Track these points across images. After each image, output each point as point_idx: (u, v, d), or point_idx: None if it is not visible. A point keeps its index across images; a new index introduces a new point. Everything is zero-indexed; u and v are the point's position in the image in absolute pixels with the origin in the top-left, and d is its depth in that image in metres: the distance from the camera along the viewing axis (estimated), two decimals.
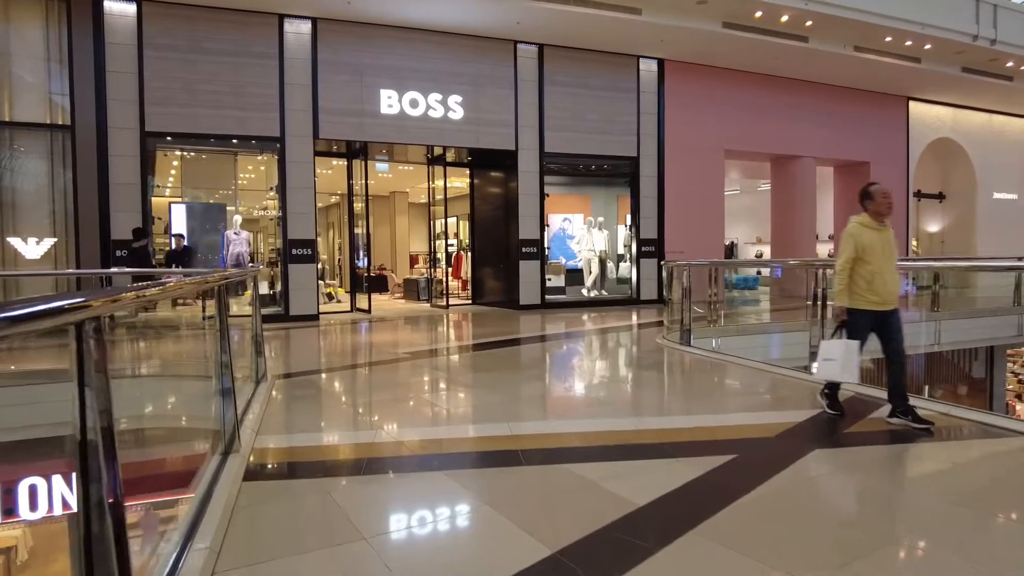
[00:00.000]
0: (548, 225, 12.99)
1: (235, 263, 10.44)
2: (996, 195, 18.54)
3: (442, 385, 5.57)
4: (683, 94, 13.00)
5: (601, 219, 13.35)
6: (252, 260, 11.13)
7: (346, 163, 12.01)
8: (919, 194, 18.00)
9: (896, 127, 16.21)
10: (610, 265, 13.46)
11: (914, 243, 18.23)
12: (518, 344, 7.63)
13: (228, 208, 11.29)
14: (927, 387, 12.12)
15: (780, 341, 8.90)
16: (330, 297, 13.91)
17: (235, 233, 10.75)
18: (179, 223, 10.76)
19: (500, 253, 12.62)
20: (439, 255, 13.91)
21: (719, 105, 13.43)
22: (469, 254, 13.90)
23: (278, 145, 10.27)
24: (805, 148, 14.64)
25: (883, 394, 4.15)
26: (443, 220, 18.98)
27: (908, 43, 12.86)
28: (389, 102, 10.89)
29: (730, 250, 21.58)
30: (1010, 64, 14.62)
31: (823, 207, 16.82)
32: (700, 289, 8.99)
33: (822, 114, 14.81)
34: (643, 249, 12.66)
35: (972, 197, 18.12)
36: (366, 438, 3.90)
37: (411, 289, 14.43)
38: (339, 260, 17.75)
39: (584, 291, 12.97)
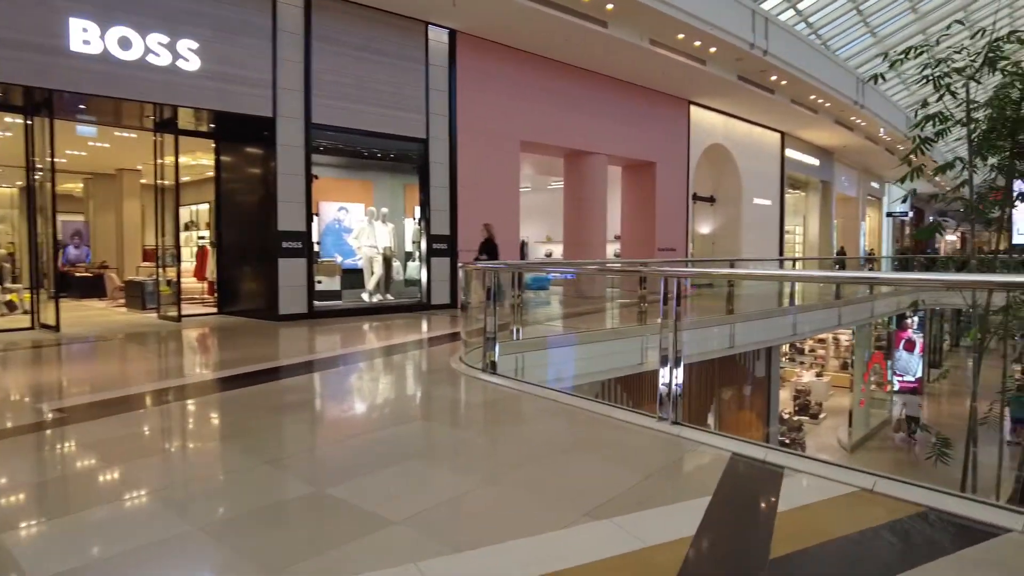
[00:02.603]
0: (318, 215, 10.68)
1: None
2: (756, 200, 20.02)
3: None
4: (478, 73, 11.51)
5: (385, 210, 11.35)
6: None
7: (23, 121, 8.57)
8: (695, 197, 18.72)
9: (679, 130, 16.47)
10: (397, 265, 11.52)
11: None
12: (243, 385, 5.05)
13: None
14: (720, 389, 12.12)
15: (602, 351, 7.74)
16: (11, 307, 10.13)
17: None
18: None
19: (255, 249, 10.01)
20: (175, 250, 10.78)
21: (517, 91, 12.18)
22: (217, 249, 11.03)
23: None
24: (599, 145, 14.06)
25: None
26: (193, 207, 15.54)
27: (697, 43, 12.75)
28: (85, 37, 7.79)
29: (522, 249, 20.87)
30: (774, 77, 15.47)
31: (610, 207, 16.61)
32: (501, 292, 7.50)
33: (616, 111, 14.37)
34: (434, 247, 10.89)
35: (738, 201, 19.31)
36: None
37: (135, 294, 11.10)
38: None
39: (365, 296, 10.87)
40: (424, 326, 9.65)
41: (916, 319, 23.60)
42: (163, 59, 8.34)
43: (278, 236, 9.48)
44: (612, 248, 18.01)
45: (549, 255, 20.97)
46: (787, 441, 15.84)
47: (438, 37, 11.00)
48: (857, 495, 2.75)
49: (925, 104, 6.31)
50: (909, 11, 18.72)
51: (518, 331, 6.99)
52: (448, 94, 11.14)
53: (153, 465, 3.25)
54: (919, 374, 24.02)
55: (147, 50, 8.19)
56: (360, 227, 10.98)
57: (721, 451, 3.31)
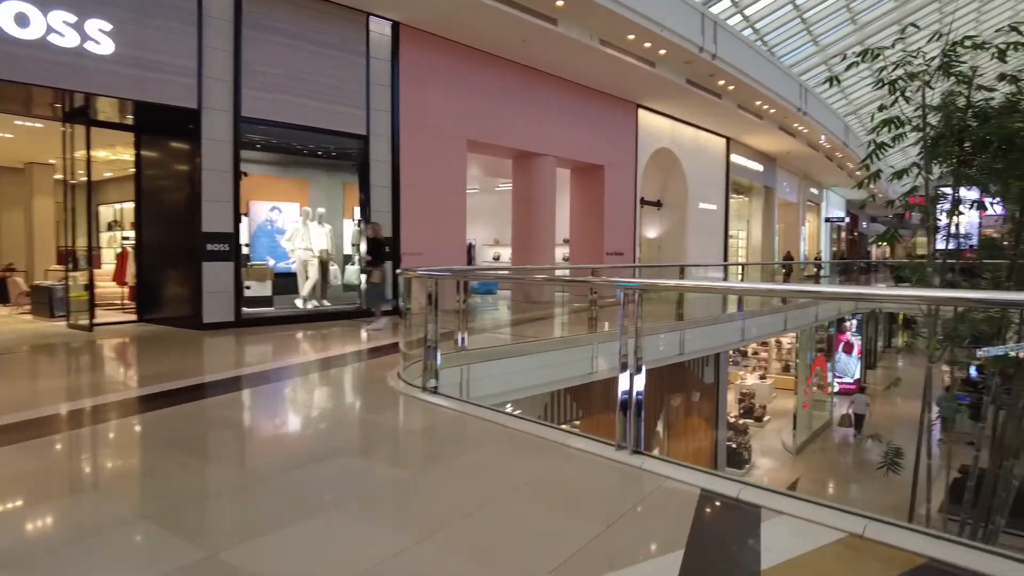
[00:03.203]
0: (248, 215, 9.95)
1: None
2: (702, 205, 20.10)
3: None
4: (423, 69, 10.98)
5: (322, 211, 10.68)
6: None
7: None
8: (643, 201, 18.63)
9: (628, 133, 16.31)
10: (334, 269, 10.86)
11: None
12: (142, 411, 4.42)
13: None
14: (669, 396, 11.92)
15: (551, 361, 7.34)
16: None
17: None
18: None
19: (178, 251, 9.22)
20: (88, 252, 9.84)
21: (464, 89, 11.70)
22: (137, 251, 10.13)
23: None
24: (548, 146, 13.72)
25: None
26: (118, 205, 14.53)
27: (647, 45, 12.55)
28: None
29: (469, 252, 20.40)
30: (722, 82, 15.47)
31: (559, 210, 16.33)
32: (444, 300, 7.02)
33: (566, 113, 14.06)
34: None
35: (685, 206, 19.32)
36: None
37: (42, 300, 10.10)
38: None
39: (299, 302, 10.19)
40: (363, 335, 9.06)
41: (854, 322, 24.27)
42: (69, 40, 7.51)
43: (202, 238, 8.74)
44: (561, 252, 17.73)
45: (497, 258, 20.56)
46: (734, 446, 15.87)
47: (380, 29, 10.43)
48: (847, 542, 2.40)
49: (881, 108, 6.17)
50: (849, 22, 19.15)
51: (463, 340, 6.55)
52: (391, 89, 10.57)
53: None
54: (857, 375, 24.73)
55: (49, 29, 7.35)
56: (294, 228, 10.29)
57: (688, 487, 2.93)
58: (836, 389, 22.70)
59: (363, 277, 9.56)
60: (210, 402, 4.79)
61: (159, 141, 9.63)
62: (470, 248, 20.07)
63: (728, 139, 21.04)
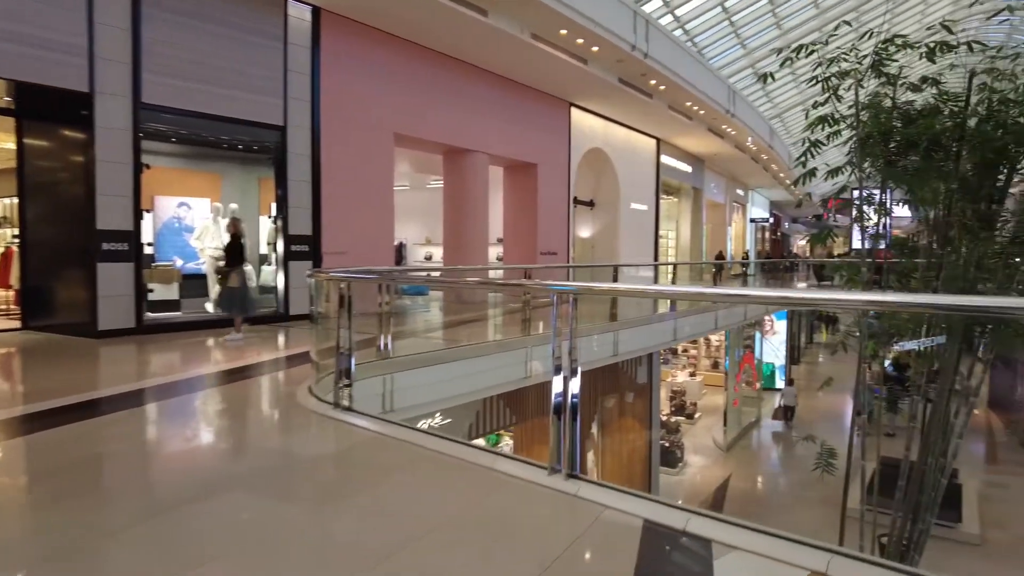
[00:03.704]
0: (151, 211, 9.10)
1: None
2: (633, 205, 20.18)
3: None
4: (347, 57, 10.37)
5: (235, 207, 9.91)
6: None
7: None
8: (576, 200, 18.51)
9: (561, 132, 16.11)
10: (249, 269, 10.08)
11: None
12: (10, 436, 3.76)
13: None
14: (603, 398, 11.75)
15: (483, 366, 6.93)
16: None
17: None
18: None
19: (70, 251, 8.33)
20: None
21: (391, 80, 11.15)
22: (23, 251, 9.09)
23: None
24: (480, 143, 13.32)
25: None
26: (7, 200, 13.20)
27: (580, 41, 12.34)
28: None
29: (399, 251, 19.78)
30: (653, 82, 15.48)
31: (492, 209, 15.98)
32: (366, 301, 6.51)
33: (498, 109, 13.70)
34: (293, 248, 9.61)
35: (616, 206, 19.33)
36: None
37: None
38: None
39: (209, 306, 9.40)
40: (280, 341, 8.42)
41: (779, 320, 25.00)
42: None
43: (97, 236, 7.89)
44: (495, 251, 17.38)
45: (429, 258, 20.01)
46: (667, 444, 15.93)
47: (299, 14, 9.76)
48: None
49: (816, 105, 6.08)
50: (775, 27, 19.63)
51: (387, 347, 6.08)
52: (311, 78, 9.92)
53: None
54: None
55: None
56: (203, 226, 9.48)
57: (630, 517, 2.59)
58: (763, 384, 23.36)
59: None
60: (89, 425, 4.13)
61: (47, 128, 8.66)
62: (400, 247, 19.46)
63: (658, 140, 21.22)
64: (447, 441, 3.48)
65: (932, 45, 5.44)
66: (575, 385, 3.00)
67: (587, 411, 11.18)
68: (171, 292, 9.17)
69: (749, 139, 22.53)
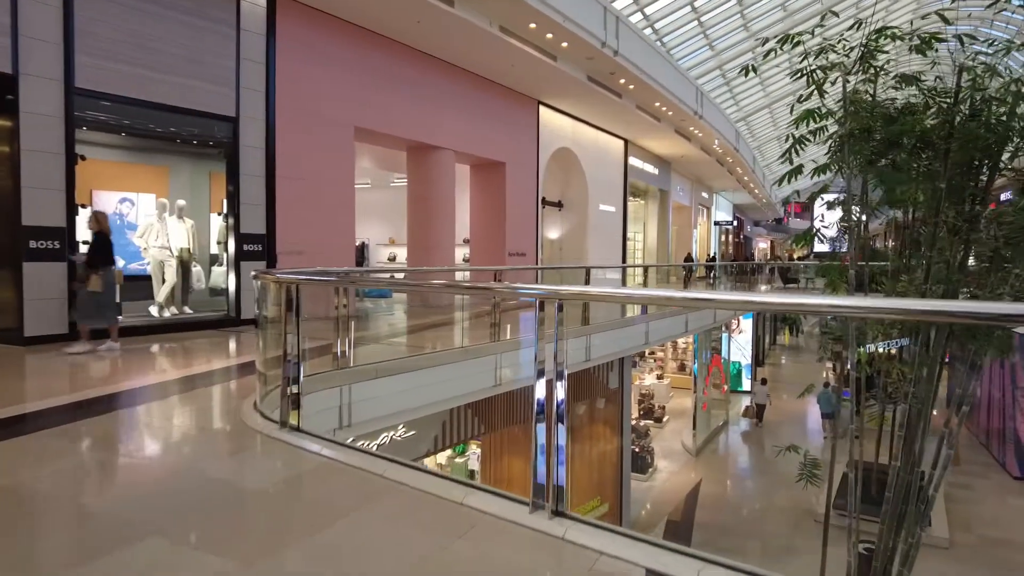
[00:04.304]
0: (88, 206, 8.40)
1: None
2: (602, 206, 19.93)
3: None
4: (304, 47, 9.79)
5: (182, 203, 9.23)
6: None
7: None
8: (544, 201, 18.16)
9: (529, 131, 15.73)
10: (197, 270, 9.43)
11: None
12: None
13: None
14: (574, 404, 11.38)
15: (450, 375, 6.47)
16: None
17: None
18: None
19: None
20: None
21: (352, 72, 10.60)
22: None
23: None
24: (446, 139, 12.83)
25: None
26: None
27: (549, 35, 11.97)
28: None
29: (361, 251, 19.14)
30: (623, 80, 15.22)
31: (459, 209, 15.50)
32: (322, 305, 6.00)
33: (465, 105, 13.24)
34: (246, 248, 8.98)
35: (585, 207, 19.04)
36: None
37: None
38: None
39: (154, 309, 8.72)
40: (231, 347, 7.81)
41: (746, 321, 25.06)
42: None
43: (24, 233, 7.17)
44: (462, 252, 16.90)
45: (393, 259, 19.40)
46: (636, 449, 15.65)
47: None
48: None
49: (800, 100, 5.79)
50: (742, 28, 19.60)
51: (344, 355, 5.58)
52: (266, 67, 9.31)
53: None
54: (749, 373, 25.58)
55: None
56: (147, 223, 8.78)
57: (629, 567, 2.17)
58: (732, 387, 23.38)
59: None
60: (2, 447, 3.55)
61: None
62: (362, 248, 18.83)
63: (626, 141, 21.03)
64: (411, 470, 3.01)
65: (925, 37, 5.19)
66: (561, 391, 2.58)
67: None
68: (112, 295, 8.42)
69: (716, 141, 22.51)
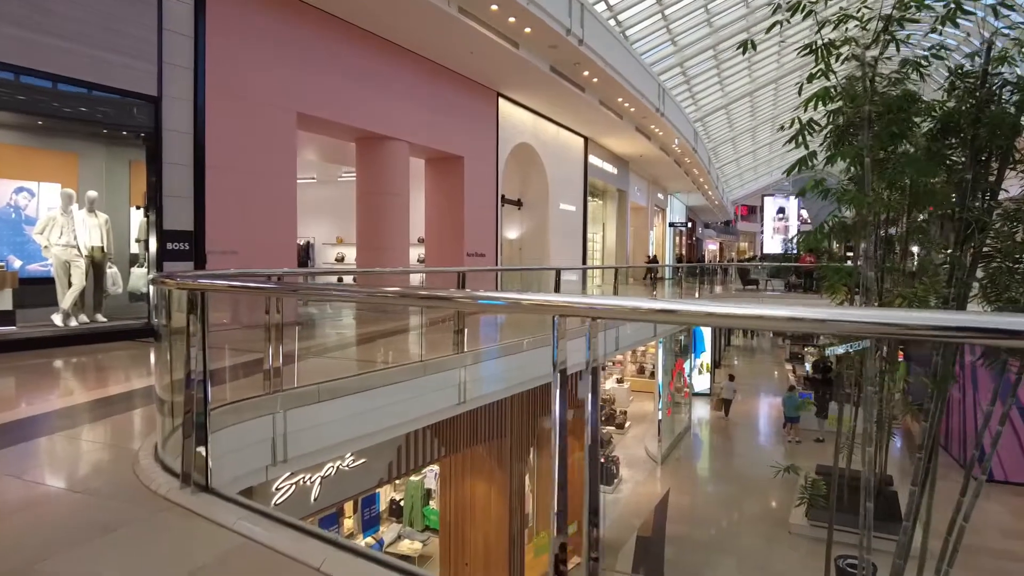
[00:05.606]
0: None
1: None
2: (562, 206, 19.23)
3: None
4: (239, 21, 8.69)
5: (94, 195, 7.98)
6: None
7: None
8: (503, 199, 17.32)
9: (488, 124, 14.87)
10: (113, 272, 8.19)
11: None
12: None
13: None
14: (542, 418, 10.56)
15: (407, 393, 5.53)
16: None
17: None
18: None
19: None
20: None
21: (294, 53, 9.53)
22: None
23: None
24: (399, 130, 11.85)
25: None
26: None
27: (512, 20, 11.14)
28: None
29: (306, 251, 17.90)
30: (586, 73, 14.53)
31: (414, 206, 14.50)
32: (254, 311, 4.98)
33: (420, 94, 12.27)
34: (169, 247, 7.78)
35: (545, 206, 18.30)
36: None
37: None
38: None
39: (58, 317, 7.46)
40: (151, 363, 6.67)
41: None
42: None
43: None
44: (416, 252, 15.89)
45: (341, 259, 18.18)
46: (601, 460, 14.94)
47: None
48: None
49: (811, 79, 5.10)
50: (706, 24, 19.21)
51: (278, 374, 4.58)
52: (194, 41, 8.16)
53: None
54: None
55: None
56: (48, 218, 7.52)
57: None
58: (695, 390, 23.10)
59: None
60: None
61: None
62: (307, 247, 17.61)
63: (586, 139, 20.43)
64: (364, 560, 2.09)
65: (953, 5, 4.56)
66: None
67: (523, 437, 9.93)
68: (4, 301, 7.18)
69: (675, 141, 22.13)
